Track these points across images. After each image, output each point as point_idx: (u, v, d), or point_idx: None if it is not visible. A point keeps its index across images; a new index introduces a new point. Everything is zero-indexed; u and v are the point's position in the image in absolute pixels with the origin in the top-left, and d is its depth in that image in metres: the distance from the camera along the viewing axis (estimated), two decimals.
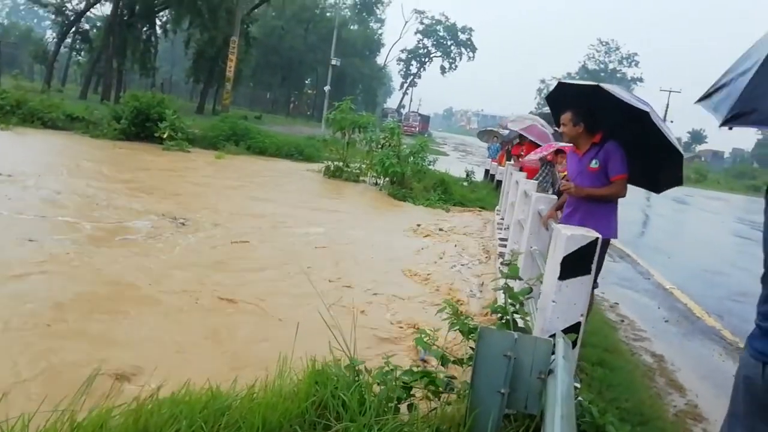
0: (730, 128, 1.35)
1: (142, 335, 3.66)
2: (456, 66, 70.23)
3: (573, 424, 2.05)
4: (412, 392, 2.86)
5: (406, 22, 66.88)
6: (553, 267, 3.31)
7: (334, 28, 34.59)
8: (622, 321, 5.43)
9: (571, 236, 3.23)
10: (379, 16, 65.62)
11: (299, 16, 51.86)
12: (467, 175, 15.29)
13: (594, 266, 3.19)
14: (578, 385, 3.06)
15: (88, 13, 34.76)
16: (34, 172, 8.58)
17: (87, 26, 36.48)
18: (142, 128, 14.71)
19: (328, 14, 52.92)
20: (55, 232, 5.72)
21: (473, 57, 70.10)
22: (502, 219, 8.99)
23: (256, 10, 37.40)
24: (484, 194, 13.11)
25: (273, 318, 4.24)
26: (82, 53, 37.83)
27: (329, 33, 37.21)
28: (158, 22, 35.22)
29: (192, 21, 30.91)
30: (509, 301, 3.33)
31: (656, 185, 4.23)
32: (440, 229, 8.82)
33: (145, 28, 33.17)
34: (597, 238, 3.17)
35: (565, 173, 4.39)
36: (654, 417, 3.36)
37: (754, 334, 1.71)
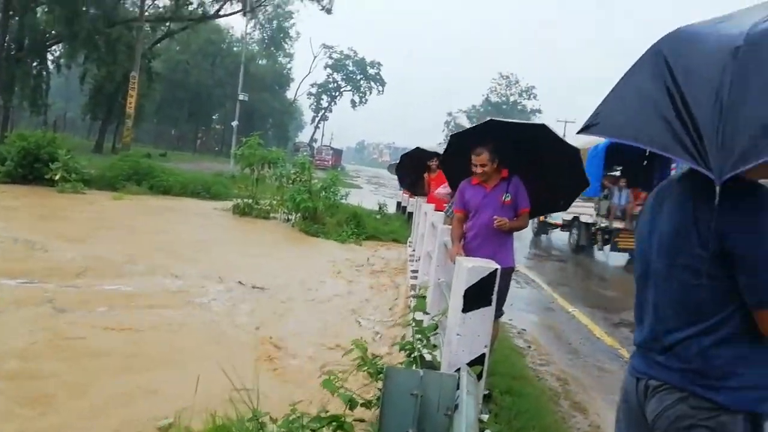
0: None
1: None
2: (366, 100, 71.72)
3: None
4: None
5: (315, 57, 67.63)
6: (456, 299, 3.36)
7: (242, 63, 34.24)
8: (529, 346, 5.60)
9: (472, 268, 3.29)
10: (287, 50, 65.95)
11: (205, 50, 51.04)
12: (380, 208, 15.44)
13: (494, 297, 3.27)
14: (485, 417, 3.09)
15: None
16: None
17: None
18: (31, 170, 13.64)
19: (235, 49, 52.39)
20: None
21: (383, 91, 71.95)
22: (414, 251, 9.11)
23: (158, 45, 36.40)
24: (396, 226, 13.27)
25: (171, 372, 3.98)
26: None
27: (237, 68, 36.80)
28: (50, 57, 33.33)
29: (88, 56, 29.46)
30: (417, 336, 3.33)
31: (556, 204, 4.62)
32: (354, 266, 8.80)
33: (35, 63, 31.20)
34: (496, 268, 3.25)
35: None
36: None
37: (634, 353, 1.82)
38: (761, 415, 1.58)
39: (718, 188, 1.28)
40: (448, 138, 4.54)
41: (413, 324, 3.32)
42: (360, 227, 12.10)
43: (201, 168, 23.08)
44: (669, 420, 1.63)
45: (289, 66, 66.41)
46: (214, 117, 59.42)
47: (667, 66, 1.45)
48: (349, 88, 71.88)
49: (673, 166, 12.13)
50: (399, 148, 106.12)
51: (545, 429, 3.56)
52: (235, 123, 31.84)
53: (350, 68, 71.17)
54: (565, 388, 4.55)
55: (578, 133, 1.72)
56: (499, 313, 4.17)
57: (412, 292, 6.90)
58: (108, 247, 7.74)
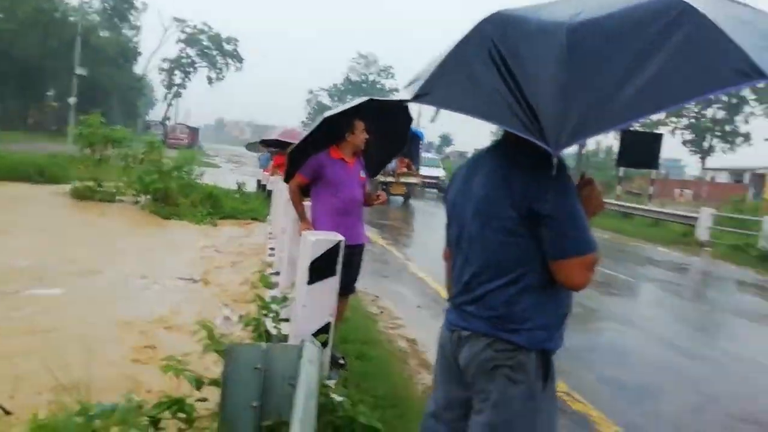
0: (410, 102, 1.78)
1: None
2: (223, 76, 68.34)
3: (311, 424, 2.12)
4: (160, 425, 2.69)
5: (166, 30, 63.02)
6: (302, 272, 3.40)
7: (78, 34, 30.91)
8: (381, 312, 5.84)
9: (316, 241, 3.35)
10: (133, 22, 60.60)
11: (34, 18, 45.17)
12: (239, 187, 15.01)
13: (339, 267, 3.36)
14: (331, 383, 3.18)
15: None
16: None
17: None
18: None
19: (71, 18, 47.06)
20: None
21: (241, 67, 69.07)
22: (272, 229, 9.02)
23: None
24: (256, 205, 12.99)
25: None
26: None
27: (74, 39, 33.21)
28: None
29: None
30: (262, 311, 3.32)
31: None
32: (208, 247, 8.49)
33: None
34: (340, 240, 3.34)
35: None
36: (405, 397, 3.67)
37: (449, 308, 1.99)
38: (549, 351, 1.82)
39: (555, 160, 1.45)
40: (322, 119, 4.09)
41: (257, 300, 3.31)
42: (217, 207, 11.68)
43: (36, 149, 20.63)
44: (477, 364, 1.82)
45: (135, 39, 61.20)
46: (48, 93, 53.16)
47: (494, 45, 1.57)
48: (204, 63, 68.00)
49: (421, 143, 21.33)
50: (260, 125, 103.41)
51: (392, 387, 3.76)
52: (72, 99, 28.91)
53: (205, 43, 67.25)
54: (414, 348, 4.83)
55: (409, 101, 1.79)
56: (350, 289, 4.23)
57: (269, 270, 6.85)
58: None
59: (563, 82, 1.42)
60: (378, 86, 77.37)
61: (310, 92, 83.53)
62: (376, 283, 7.07)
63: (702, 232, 15.41)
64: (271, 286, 3.49)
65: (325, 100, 79.79)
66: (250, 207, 12.54)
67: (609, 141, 52.29)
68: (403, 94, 1.90)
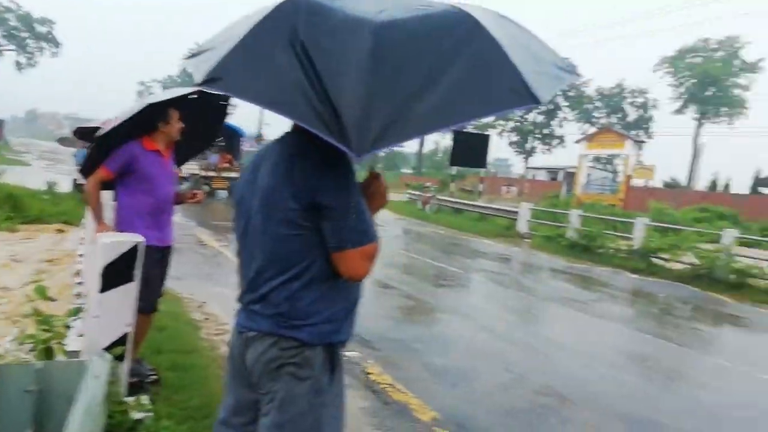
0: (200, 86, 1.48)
1: None
2: (36, 62, 60.61)
3: None
4: None
5: None
6: (94, 279, 3.05)
7: None
8: (207, 318, 5.50)
9: (111, 243, 3.01)
10: None
11: None
12: (50, 187, 13.37)
13: (138, 272, 3.04)
14: (130, 399, 2.87)
15: None
16: None
17: None
18: None
19: None
20: None
21: (57, 53, 61.75)
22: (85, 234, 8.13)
23: None
24: (70, 206, 11.64)
25: None
26: None
27: None
28: None
29: None
30: (42, 327, 2.89)
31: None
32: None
33: None
34: (138, 242, 3.03)
35: None
36: None
37: (238, 309, 1.88)
38: (335, 344, 1.79)
39: (357, 165, 1.43)
40: (145, 104, 3.53)
41: (35, 314, 2.88)
42: (19, 210, 10.24)
43: None
44: (262, 364, 1.75)
45: None
46: None
47: (295, 32, 1.42)
48: (11, 47, 59.65)
49: (242, 139, 21.95)
50: (82, 118, 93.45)
51: (209, 397, 3.53)
52: None
53: (12, 23, 58.95)
54: None
55: (200, 85, 1.54)
56: (160, 294, 3.83)
57: (77, 279, 6.14)
58: None
59: (367, 84, 1.33)
60: None
61: (142, 84, 77.66)
62: (205, 288, 6.67)
63: (522, 225, 17.02)
64: (48, 298, 3.03)
65: (159, 91, 74.55)
66: (61, 209, 11.19)
67: (447, 142, 55.73)
68: (189, 69, 1.66)
